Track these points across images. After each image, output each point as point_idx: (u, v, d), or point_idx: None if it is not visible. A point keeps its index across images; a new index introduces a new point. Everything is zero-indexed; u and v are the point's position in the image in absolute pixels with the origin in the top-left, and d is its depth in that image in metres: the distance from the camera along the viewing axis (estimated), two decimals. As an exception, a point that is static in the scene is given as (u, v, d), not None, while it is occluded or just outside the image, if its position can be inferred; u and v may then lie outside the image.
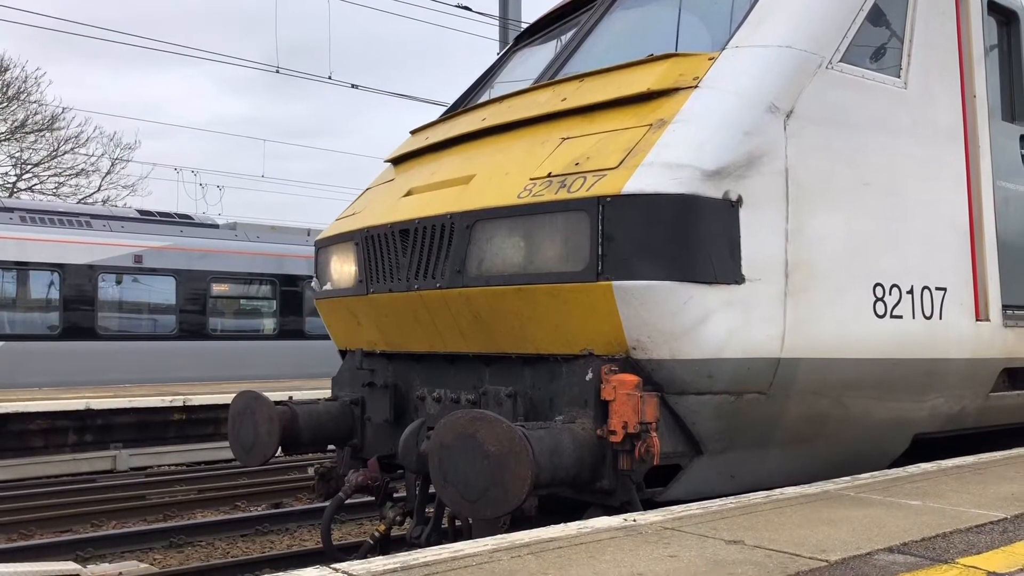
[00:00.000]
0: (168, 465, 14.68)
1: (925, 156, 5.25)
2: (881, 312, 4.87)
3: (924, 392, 5.27)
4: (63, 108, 37.97)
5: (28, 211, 18.82)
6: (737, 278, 4.28)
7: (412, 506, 5.40)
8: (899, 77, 5.20)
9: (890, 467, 5.26)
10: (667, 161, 4.24)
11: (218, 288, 20.48)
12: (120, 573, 7.66)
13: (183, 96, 65.04)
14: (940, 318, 5.20)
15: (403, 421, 5.40)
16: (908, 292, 5.03)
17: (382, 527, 5.51)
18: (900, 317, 4.97)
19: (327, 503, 5.87)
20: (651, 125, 4.46)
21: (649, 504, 4.28)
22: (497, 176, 4.85)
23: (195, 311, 19.89)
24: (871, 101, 5.00)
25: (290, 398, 5.83)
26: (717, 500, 4.08)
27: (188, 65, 68.56)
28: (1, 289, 18.03)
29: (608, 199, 4.18)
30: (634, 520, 3.62)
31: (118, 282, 19.14)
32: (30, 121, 37.11)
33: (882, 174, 4.98)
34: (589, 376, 4.27)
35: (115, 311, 19.16)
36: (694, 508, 3.88)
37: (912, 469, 4.97)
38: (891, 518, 3.66)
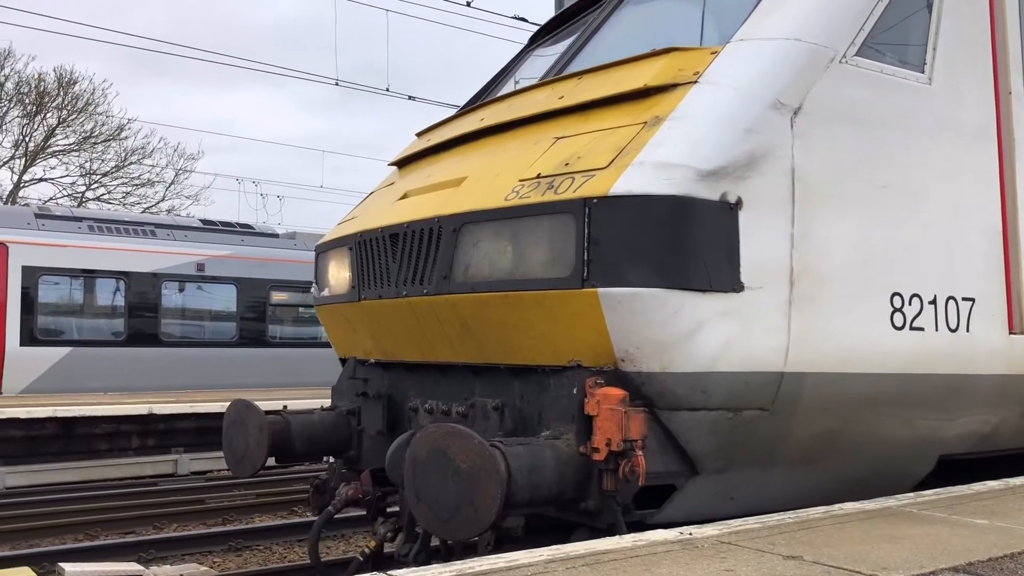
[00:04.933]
0: (227, 469, 14.62)
1: (952, 157, 4.90)
2: (899, 324, 4.53)
3: (950, 410, 4.90)
4: (128, 119, 38.96)
5: (96, 220, 19.12)
6: (735, 286, 3.99)
7: (404, 522, 5.18)
8: (923, 72, 4.85)
9: (913, 490, 4.91)
10: (659, 160, 3.97)
11: (277, 296, 20.56)
12: (181, 575, 7.67)
13: (259, 114, 67.20)
14: (967, 330, 4.84)
15: (397, 432, 5.19)
16: (930, 302, 4.68)
17: (372, 543, 5.30)
18: (921, 329, 4.62)
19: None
20: (645, 123, 4.20)
21: (641, 526, 4.01)
22: (487, 178, 4.62)
23: (255, 318, 20.02)
24: (890, 98, 4.66)
25: (284, 407, 5.64)
26: (775, 515, 3.94)
27: (267, 87, 70.99)
28: (69, 296, 18.34)
29: (595, 201, 3.93)
30: (690, 533, 3.55)
31: (181, 290, 19.34)
32: (97, 132, 38.09)
33: (902, 176, 4.65)
34: (575, 389, 4.01)
35: (178, 318, 19.38)
36: (751, 522, 3.77)
37: (977, 487, 4.74)
38: (956, 536, 3.51)
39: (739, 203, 4.03)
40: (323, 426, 5.52)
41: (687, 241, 3.91)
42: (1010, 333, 5.07)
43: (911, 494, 4.50)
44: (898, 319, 4.53)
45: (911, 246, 4.63)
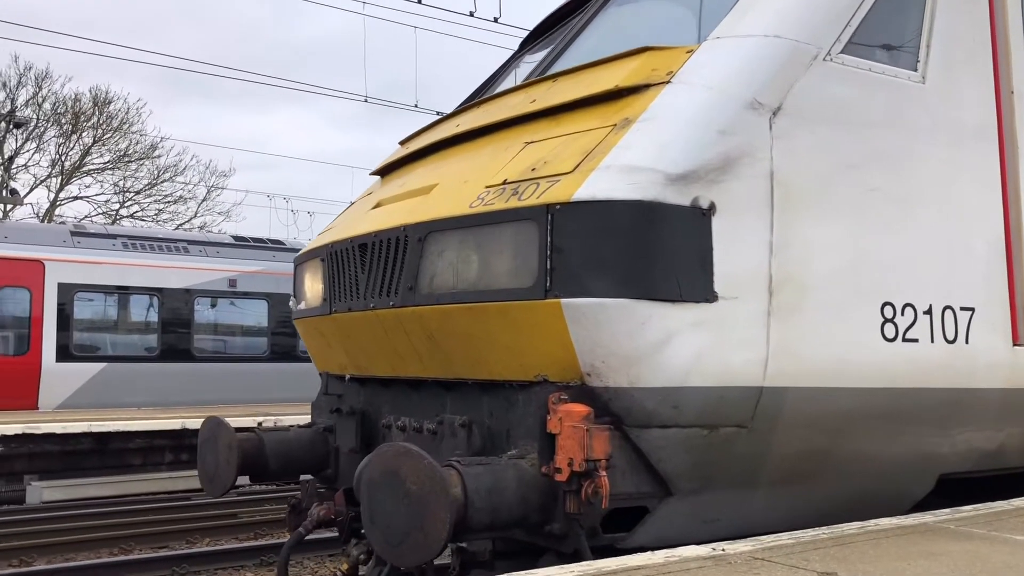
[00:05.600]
0: (259, 484, 14.60)
1: (948, 158, 4.64)
2: (891, 335, 4.28)
3: (949, 426, 4.63)
4: (161, 138, 39.56)
5: (129, 237, 19.33)
6: (708, 296, 3.76)
7: (377, 544, 4.97)
8: (916, 70, 4.60)
9: (912, 510, 4.64)
10: (626, 164, 3.77)
11: (307, 311, 20.60)
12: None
13: (290, 131, 67.86)
14: (966, 342, 4.57)
15: (372, 450, 4.99)
16: (925, 312, 4.42)
17: (345, 566, 5.11)
18: (915, 341, 4.36)
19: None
20: (615, 125, 3.99)
21: (610, 551, 3.79)
22: (456, 185, 4.44)
23: (286, 333, 20.04)
24: (880, 97, 4.42)
25: (259, 424, 5.47)
26: (809, 530, 3.86)
27: (297, 105, 71.58)
28: (104, 313, 18.52)
29: (558, 207, 3.73)
30: (723, 549, 3.49)
31: (213, 305, 19.50)
32: (131, 150, 38.62)
33: (894, 179, 4.40)
34: (540, 406, 3.80)
35: (210, 333, 19.53)
36: (784, 538, 3.70)
37: (1018, 502, 4.60)
38: (995, 553, 3.42)
39: (712, 208, 3.81)
40: (299, 444, 5.34)
41: (655, 249, 3.70)
42: (1014, 345, 4.79)
43: (947, 510, 4.32)
44: (889, 330, 4.28)
45: (904, 253, 4.38)
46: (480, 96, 6.38)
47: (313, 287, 5.44)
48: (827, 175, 4.16)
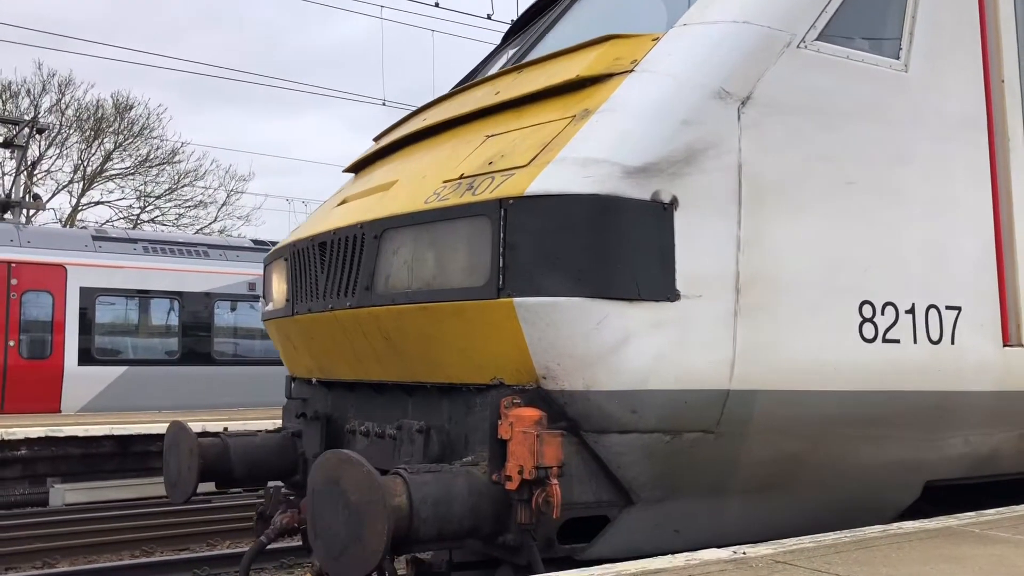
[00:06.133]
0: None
1: (933, 151, 4.42)
2: (870, 335, 4.07)
3: (934, 431, 4.41)
4: (182, 143, 39.69)
5: (150, 242, 19.47)
6: (669, 294, 3.58)
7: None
8: (898, 59, 4.39)
9: (898, 519, 4.42)
10: (582, 156, 3.59)
11: (326, 314, 20.55)
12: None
13: (310, 135, 68.05)
14: (952, 342, 4.35)
15: (337, 456, 4.83)
16: (908, 312, 4.21)
17: (309, 575, 4.94)
18: (896, 341, 4.15)
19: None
20: (574, 116, 3.81)
21: (569, 563, 3.60)
22: (415, 180, 4.28)
23: None
24: (858, 87, 4.21)
25: (224, 429, 5.33)
26: (831, 534, 3.80)
27: (317, 109, 71.57)
28: (125, 316, 18.63)
29: (511, 201, 3.55)
30: (744, 553, 3.45)
31: (233, 309, 19.55)
32: (152, 155, 38.81)
33: (873, 171, 4.19)
34: (493, 410, 3.62)
35: (230, 337, 19.59)
36: (806, 541, 3.66)
37: None
38: (1021, 557, 3.37)
39: (674, 202, 3.62)
40: (265, 449, 5.18)
41: (611, 245, 3.51)
42: (1004, 345, 4.57)
43: (972, 513, 4.21)
44: (868, 330, 4.07)
45: (884, 249, 4.17)
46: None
47: (279, 287, 5.29)
48: (800, 168, 3.97)
